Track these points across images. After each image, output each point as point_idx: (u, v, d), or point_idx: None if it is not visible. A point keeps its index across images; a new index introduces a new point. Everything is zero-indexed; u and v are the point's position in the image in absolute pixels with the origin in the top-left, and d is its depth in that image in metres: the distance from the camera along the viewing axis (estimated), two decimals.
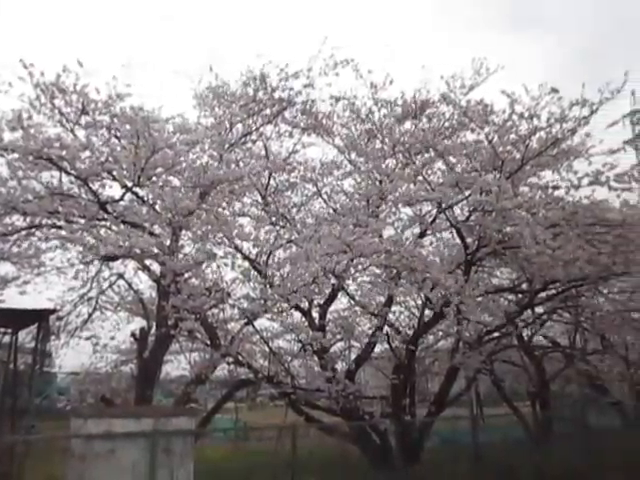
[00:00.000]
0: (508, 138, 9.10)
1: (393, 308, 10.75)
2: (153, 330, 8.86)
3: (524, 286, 11.15)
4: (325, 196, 10.70)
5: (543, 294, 10.94)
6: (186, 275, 8.05)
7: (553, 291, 10.86)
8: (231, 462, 8.91)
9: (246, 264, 8.85)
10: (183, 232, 8.03)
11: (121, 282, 10.22)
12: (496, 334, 10.98)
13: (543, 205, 9.18)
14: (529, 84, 8.70)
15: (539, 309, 12.21)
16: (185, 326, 8.01)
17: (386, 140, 9.92)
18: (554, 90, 8.59)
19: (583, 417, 12.44)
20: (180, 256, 7.92)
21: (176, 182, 7.83)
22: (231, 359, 8.90)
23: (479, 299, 9.55)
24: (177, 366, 11.24)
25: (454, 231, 10.09)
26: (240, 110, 8.58)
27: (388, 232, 10.12)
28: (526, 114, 8.83)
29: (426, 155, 9.84)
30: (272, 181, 10.01)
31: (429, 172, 9.85)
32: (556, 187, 9.36)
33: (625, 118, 42.87)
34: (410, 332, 10.77)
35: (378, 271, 9.92)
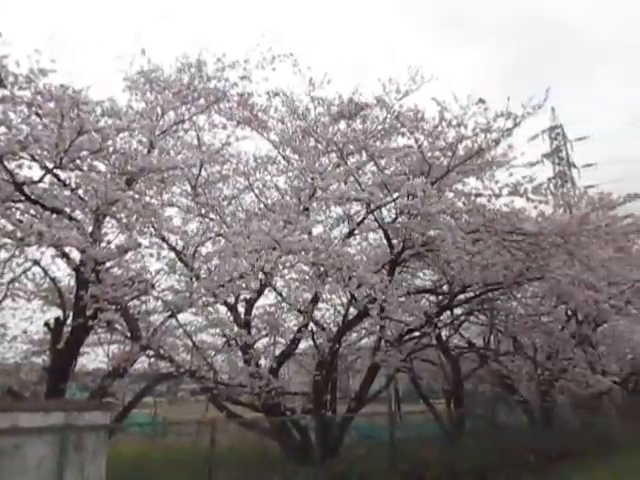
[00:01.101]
0: (436, 144, 9.42)
1: (319, 305, 10.85)
2: (69, 320, 8.40)
3: (444, 288, 11.49)
4: (257, 191, 10.67)
5: (462, 296, 11.35)
6: (108, 264, 7.76)
7: (471, 294, 11.31)
8: (147, 458, 8.64)
9: (172, 255, 8.69)
10: (107, 219, 7.68)
11: (36, 269, 9.67)
12: (416, 333, 11.25)
13: (466, 211, 9.54)
14: (462, 94, 9.10)
15: (457, 311, 12.75)
16: (105, 317, 7.72)
17: (320, 139, 9.98)
18: (481, 101, 8.93)
19: (493, 415, 13.06)
20: (102, 244, 7.58)
21: (102, 167, 7.47)
22: (152, 352, 8.64)
23: (402, 299, 9.81)
24: (94, 358, 10.79)
25: (381, 232, 10.36)
26: (173, 97, 8.30)
27: (318, 230, 10.24)
28: (454, 122, 9.17)
29: (358, 156, 10.04)
30: (203, 172, 9.83)
31: (360, 173, 10.00)
32: (478, 195, 9.72)
33: (544, 133, 45.97)
34: (335, 329, 10.87)
35: (306, 268, 9.83)
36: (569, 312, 14.67)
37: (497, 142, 9.49)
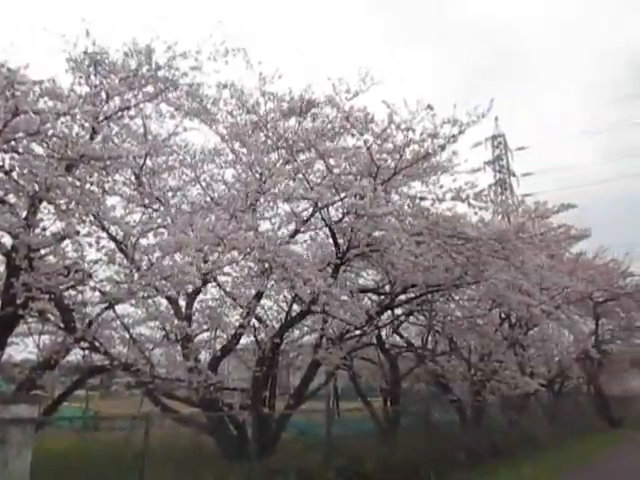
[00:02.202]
0: (385, 147, 9.65)
1: (262, 302, 10.86)
2: None
3: (386, 288, 11.72)
4: (204, 183, 10.55)
5: (403, 297, 11.62)
6: (43, 251, 7.50)
7: (412, 295, 11.57)
8: (76, 454, 8.37)
9: (112, 245, 8.47)
10: (43, 205, 7.37)
11: None
12: (357, 332, 11.40)
13: (410, 214, 9.81)
14: (413, 99, 9.31)
15: (398, 311, 12.95)
16: (37, 306, 7.43)
17: (270, 134, 9.97)
18: (429, 107, 9.14)
19: (427, 413, 13.43)
20: (37, 231, 7.26)
21: (40, 151, 7.17)
22: (86, 344, 8.36)
23: (345, 298, 9.95)
24: (23, 349, 10.27)
25: (328, 231, 10.43)
26: (120, 83, 8.04)
27: (265, 226, 10.24)
28: (403, 126, 9.34)
29: (307, 154, 10.05)
30: (149, 162, 9.64)
31: (309, 171, 10.04)
32: (423, 198, 9.98)
33: (487, 141, 47.73)
34: (277, 326, 10.88)
35: (251, 264, 9.85)
36: (503, 315, 15.30)
37: (443, 148, 9.72)
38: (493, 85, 64.78)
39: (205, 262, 8.40)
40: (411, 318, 14.16)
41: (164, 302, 9.90)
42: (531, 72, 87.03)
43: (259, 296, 10.20)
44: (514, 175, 48.16)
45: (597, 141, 78.47)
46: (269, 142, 9.98)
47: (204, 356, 10.55)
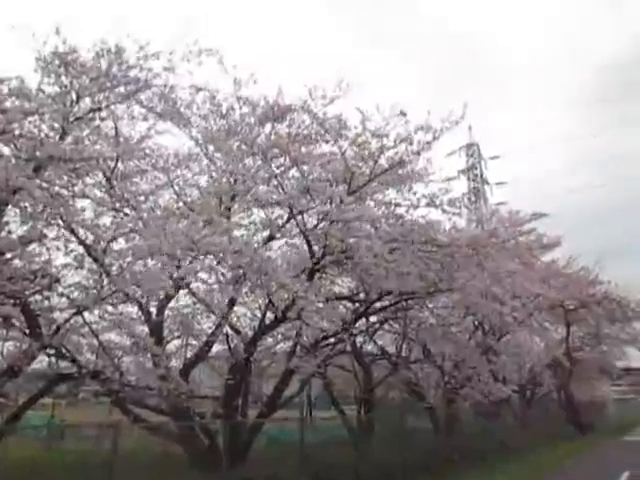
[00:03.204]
0: (359, 153, 9.75)
1: (236, 308, 10.72)
2: None
3: (361, 296, 11.73)
4: (177, 188, 10.40)
5: (378, 304, 11.60)
6: (8, 255, 7.28)
7: (386, 302, 11.57)
8: (42, 463, 8.14)
9: (81, 249, 8.18)
10: (9, 207, 7.17)
11: None
12: (332, 340, 11.40)
13: (385, 220, 9.95)
14: (388, 104, 9.40)
15: (373, 318, 12.96)
16: (1, 312, 7.26)
17: (245, 140, 9.95)
18: (402, 113, 9.28)
19: (401, 420, 13.46)
20: (2, 234, 7.11)
21: (6, 151, 6.99)
22: (52, 351, 8.15)
23: (320, 305, 9.75)
24: None
25: (302, 237, 10.38)
26: (90, 83, 7.88)
27: (240, 232, 10.11)
28: (377, 132, 9.51)
29: (282, 160, 10.06)
30: (120, 164, 9.45)
31: (284, 177, 10.08)
32: (398, 205, 10.13)
33: (461, 150, 48.38)
34: (250, 333, 10.80)
35: (224, 270, 9.74)
36: (476, 323, 15.44)
37: (418, 153, 9.86)
38: (467, 91, 65.51)
39: (178, 268, 8.33)
40: (386, 326, 14.17)
41: (134, 308, 9.76)
42: (505, 78, 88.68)
43: (232, 303, 10.09)
44: (488, 184, 48.92)
45: (568, 149, 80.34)
46: (243, 147, 9.92)
47: (175, 364, 10.36)
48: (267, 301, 10.23)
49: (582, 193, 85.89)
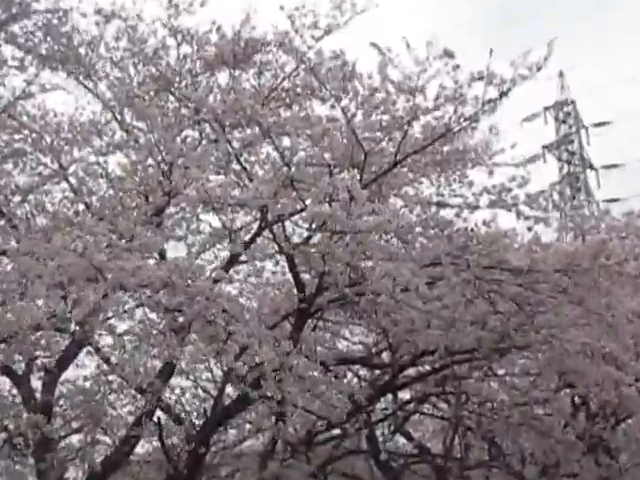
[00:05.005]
0: (376, 119, 9.33)
1: (174, 380, 10.91)
2: None
3: (384, 357, 11.59)
4: (73, 179, 10.14)
5: (411, 371, 11.35)
6: None
7: (426, 368, 11.28)
8: None
9: None
10: None
11: None
12: (335, 431, 11.39)
13: (421, 231, 9.52)
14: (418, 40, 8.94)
15: (404, 395, 12.74)
16: None
17: (184, 99, 9.75)
18: (448, 53, 8.82)
19: None
20: None
21: None
22: None
23: (314, 374, 9.63)
24: None
25: (284, 260, 10.12)
26: None
27: (177, 252, 10.07)
28: (405, 85, 9.05)
29: (248, 131, 9.71)
30: None
31: (251, 159, 9.87)
32: (442, 204, 9.79)
33: (548, 111, 45.85)
34: (200, 422, 10.66)
35: (152, 316, 9.64)
36: (576, 400, 14.87)
37: (473, 121, 9.43)
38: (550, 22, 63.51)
39: (71, 310, 7.90)
40: (425, 407, 13.96)
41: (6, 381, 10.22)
42: None
43: (169, 371, 9.83)
44: (592, 168, 46.63)
45: None
46: (183, 111, 9.75)
47: (74, 474, 10.41)
48: (226, 367, 9.65)
49: None
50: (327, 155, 9.42)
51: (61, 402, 10.30)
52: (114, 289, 7.98)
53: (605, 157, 43.55)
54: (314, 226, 9.40)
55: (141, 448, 10.70)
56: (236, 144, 9.52)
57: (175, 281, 8.11)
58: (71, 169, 10.03)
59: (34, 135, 9.74)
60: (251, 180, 9.45)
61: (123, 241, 8.42)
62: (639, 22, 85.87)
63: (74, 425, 10.82)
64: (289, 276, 10.10)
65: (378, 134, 9.45)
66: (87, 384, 10.27)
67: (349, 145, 9.26)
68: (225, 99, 9.53)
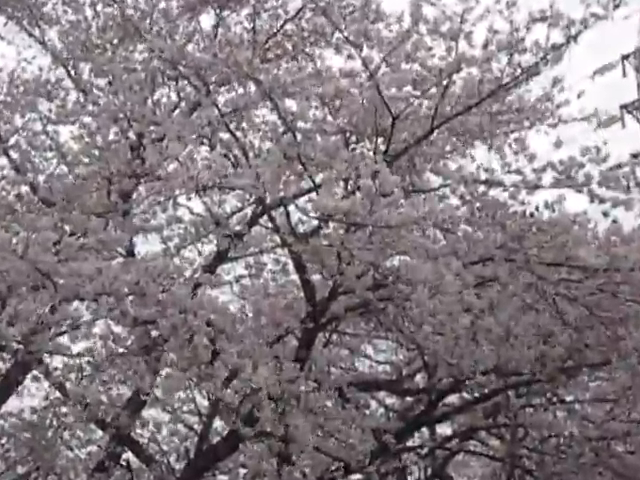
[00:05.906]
0: (407, 70, 9.04)
1: (146, 412, 10.68)
2: None
3: (418, 380, 11.62)
4: (14, 153, 9.91)
5: (452, 398, 11.43)
6: None
7: (473, 394, 11.29)
8: None
9: None
10: None
11: None
12: (356, 478, 11.16)
13: (465, 217, 9.22)
14: None
15: (444, 429, 12.85)
16: None
17: (157, 49, 9.26)
18: None
19: None
20: None
21: None
22: None
23: (329, 403, 9.95)
24: None
25: (288, 255, 10.23)
26: None
27: (146, 247, 10.15)
28: (444, 26, 8.92)
29: (240, 90, 9.55)
30: None
31: (243, 126, 10.03)
32: (493, 183, 9.45)
33: (627, 60, 45.07)
34: (180, 465, 10.69)
35: (118, 330, 9.31)
36: None
37: (533, 73, 9.14)
38: None
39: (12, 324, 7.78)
40: (471, 443, 13.69)
41: None
42: None
43: (139, 400, 9.76)
44: None
45: None
46: (156, 64, 9.47)
47: None
48: (213, 398, 9.92)
49: None
50: (343, 121, 9.40)
51: (2, 440, 10.21)
52: (67, 298, 7.90)
53: None
54: (325, 213, 9.07)
55: None
56: (224, 108, 9.40)
57: (146, 286, 7.94)
58: (12, 141, 9.92)
59: None
60: (245, 153, 9.31)
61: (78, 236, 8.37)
62: None
63: (19, 470, 10.62)
64: (294, 277, 10.11)
65: (409, 91, 9.10)
66: (34, 417, 10.23)
67: (371, 107, 9.04)
68: (211, 49, 9.39)
